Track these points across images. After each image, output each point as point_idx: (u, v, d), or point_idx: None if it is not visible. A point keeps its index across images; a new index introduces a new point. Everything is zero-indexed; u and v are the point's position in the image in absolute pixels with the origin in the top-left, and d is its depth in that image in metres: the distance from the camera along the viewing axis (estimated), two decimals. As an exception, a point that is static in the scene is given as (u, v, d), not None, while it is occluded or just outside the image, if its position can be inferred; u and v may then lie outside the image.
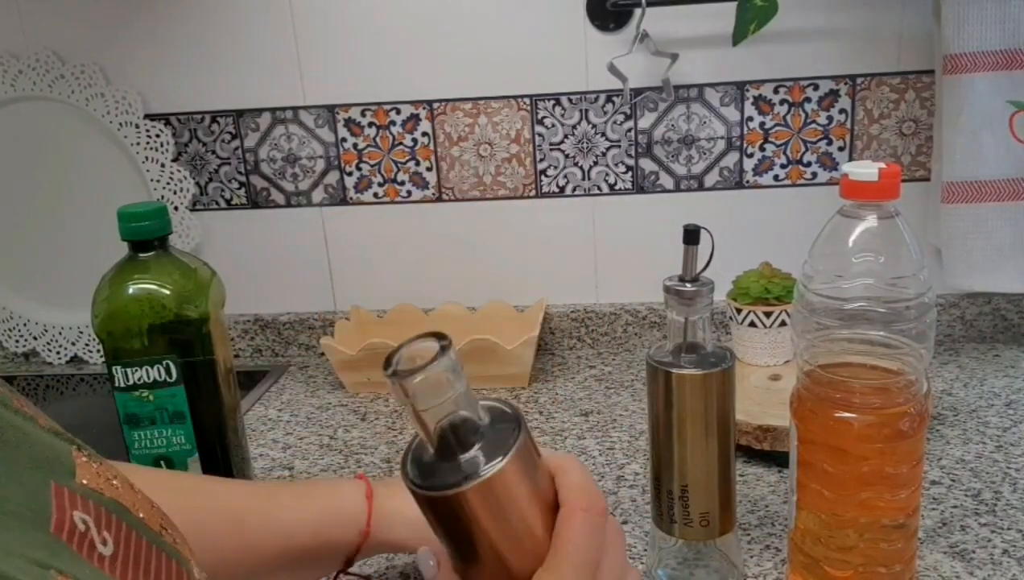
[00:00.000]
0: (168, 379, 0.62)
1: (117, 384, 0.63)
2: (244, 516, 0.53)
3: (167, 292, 0.62)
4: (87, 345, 1.13)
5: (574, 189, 1.03)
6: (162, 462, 0.64)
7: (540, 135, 1.01)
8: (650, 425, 0.57)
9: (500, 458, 0.35)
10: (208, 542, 0.48)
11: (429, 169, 1.04)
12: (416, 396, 0.35)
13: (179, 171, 1.05)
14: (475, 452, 0.36)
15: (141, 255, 0.63)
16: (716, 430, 0.55)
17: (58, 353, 1.14)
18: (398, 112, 1.02)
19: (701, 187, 1.01)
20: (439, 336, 0.35)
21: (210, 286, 0.66)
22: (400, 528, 0.55)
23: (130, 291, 0.62)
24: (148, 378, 0.62)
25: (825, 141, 0.98)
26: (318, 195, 1.07)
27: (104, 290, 0.62)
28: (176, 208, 1.06)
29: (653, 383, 0.56)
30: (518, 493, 0.36)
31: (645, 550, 0.65)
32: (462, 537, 0.37)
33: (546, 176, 1.03)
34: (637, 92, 0.98)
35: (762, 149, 0.99)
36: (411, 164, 1.04)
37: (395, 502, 0.56)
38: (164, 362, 0.62)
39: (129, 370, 0.62)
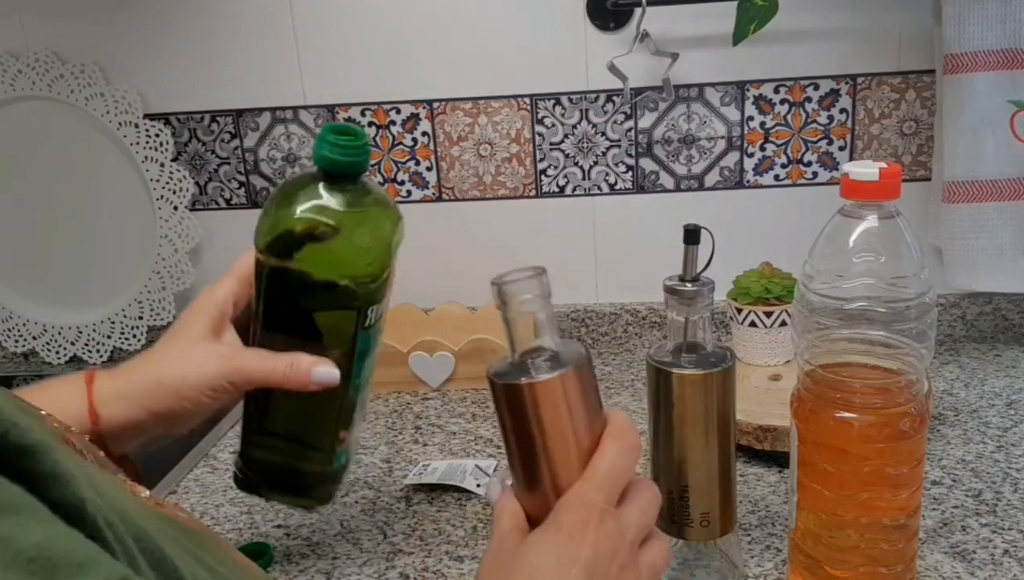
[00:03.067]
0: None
1: (368, 323, 0.59)
2: None
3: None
4: (86, 345, 1.13)
5: (574, 189, 1.03)
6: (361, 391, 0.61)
7: (540, 135, 1.01)
8: (650, 425, 0.57)
9: (560, 371, 0.43)
10: None
11: (429, 169, 1.04)
12: (507, 300, 0.44)
13: (179, 171, 1.05)
14: (543, 363, 0.44)
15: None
16: (716, 430, 0.55)
17: (57, 353, 1.14)
18: (398, 112, 1.02)
19: (701, 187, 1.01)
20: (538, 268, 0.44)
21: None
22: (117, 404, 0.54)
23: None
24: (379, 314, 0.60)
25: (826, 141, 0.98)
26: (318, 195, 1.07)
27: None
28: (176, 208, 1.06)
29: (653, 383, 0.56)
30: (570, 406, 0.43)
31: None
32: (520, 432, 0.44)
33: (546, 176, 1.03)
34: (637, 92, 0.98)
35: (762, 149, 0.99)
36: (411, 164, 1.04)
37: (112, 381, 0.55)
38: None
39: (373, 309, 0.59)
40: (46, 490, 0.23)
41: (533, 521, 0.44)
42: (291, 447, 0.60)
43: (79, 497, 0.23)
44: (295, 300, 0.57)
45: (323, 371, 0.55)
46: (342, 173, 0.55)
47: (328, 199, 0.55)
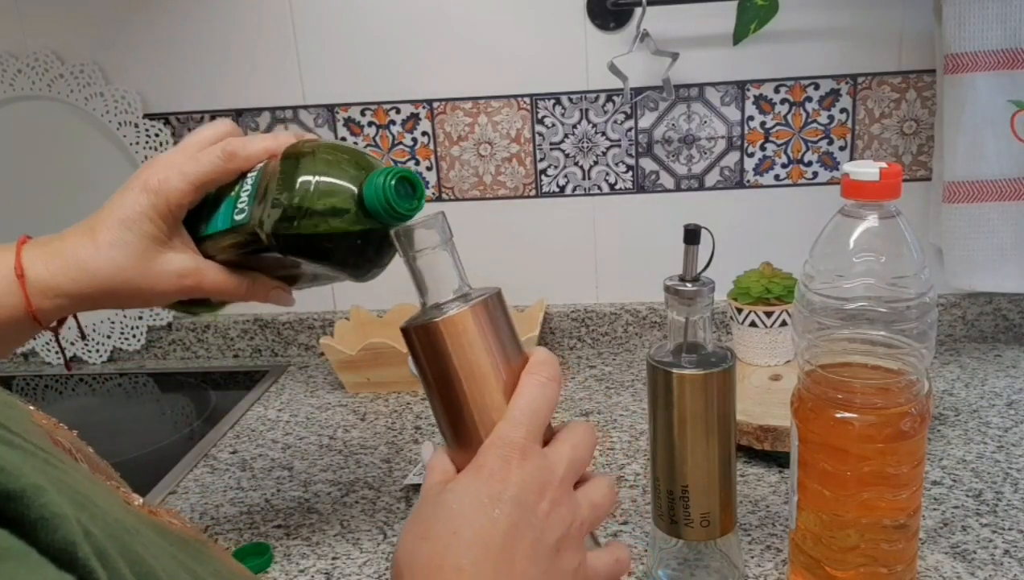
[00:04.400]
0: None
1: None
2: None
3: None
4: (86, 345, 1.13)
5: (574, 189, 1.03)
6: None
7: (540, 134, 1.01)
8: (650, 425, 0.57)
9: (470, 304, 0.43)
10: None
11: (429, 169, 1.04)
12: (410, 245, 0.44)
13: (179, 171, 1.05)
14: (453, 303, 0.43)
15: None
16: (717, 430, 0.55)
17: (57, 353, 1.14)
18: (398, 111, 1.02)
19: (702, 187, 1.01)
20: (437, 213, 0.44)
21: None
22: (57, 301, 0.54)
23: None
24: None
25: (826, 141, 0.98)
26: (318, 195, 1.07)
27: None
28: (176, 208, 1.06)
29: (653, 383, 0.56)
30: (485, 339, 0.43)
31: (646, 550, 0.65)
32: (439, 376, 0.43)
33: (546, 176, 1.03)
34: (637, 91, 0.98)
35: (763, 149, 0.99)
36: (411, 164, 1.04)
37: (51, 276, 0.55)
38: None
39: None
40: (36, 535, 0.23)
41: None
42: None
43: (70, 540, 0.23)
44: (279, 266, 0.58)
45: (281, 296, 0.59)
46: (382, 220, 0.52)
47: (353, 223, 0.52)
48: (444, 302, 0.44)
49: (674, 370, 0.54)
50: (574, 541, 0.41)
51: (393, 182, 0.50)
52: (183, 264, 0.55)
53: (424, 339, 0.43)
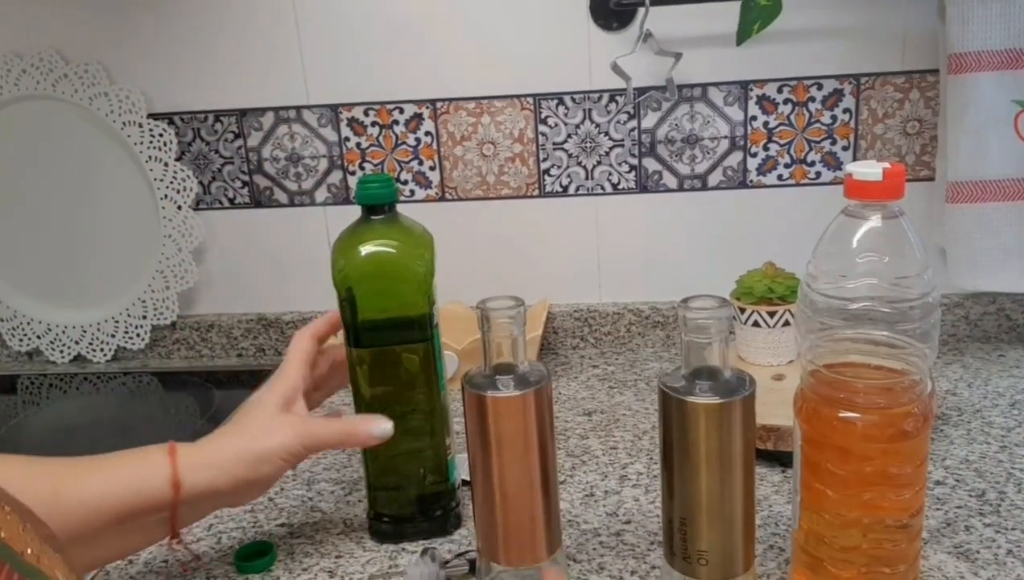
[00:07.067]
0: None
1: (438, 348, 0.68)
2: (61, 485, 0.57)
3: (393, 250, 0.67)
4: (90, 344, 1.14)
5: (577, 189, 1.03)
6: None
7: (543, 134, 1.01)
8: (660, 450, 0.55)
9: (519, 391, 0.53)
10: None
11: (432, 168, 1.04)
12: (488, 322, 0.54)
13: (182, 170, 1.05)
14: (510, 381, 0.54)
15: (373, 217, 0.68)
16: (718, 462, 0.51)
17: (61, 352, 1.15)
18: (401, 111, 1.02)
19: (704, 187, 1.01)
20: (517, 299, 0.55)
21: (432, 244, 0.70)
22: (201, 473, 0.59)
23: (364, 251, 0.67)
24: None
25: (829, 141, 0.98)
26: (321, 194, 1.07)
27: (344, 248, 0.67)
28: (179, 207, 1.06)
29: (662, 408, 0.53)
30: (523, 421, 0.53)
31: (649, 548, 0.65)
32: (480, 433, 0.54)
33: (549, 176, 1.03)
34: (640, 91, 0.98)
35: (766, 149, 0.99)
36: (414, 163, 1.04)
37: (197, 451, 0.61)
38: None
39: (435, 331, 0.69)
40: None
41: (482, 505, 0.55)
42: (409, 477, 0.69)
43: None
44: (373, 343, 0.66)
45: (378, 427, 0.64)
46: (371, 208, 0.67)
47: (360, 227, 0.67)
48: (503, 377, 0.54)
49: (688, 398, 0.51)
50: None
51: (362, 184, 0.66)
52: (293, 419, 0.64)
53: (478, 404, 0.54)
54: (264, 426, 0.63)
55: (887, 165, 0.49)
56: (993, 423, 0.81)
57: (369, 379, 0.67)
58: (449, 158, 1.04)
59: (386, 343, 0.66)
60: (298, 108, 1.04)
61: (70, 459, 0.61)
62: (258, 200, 1.08)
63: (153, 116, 1.05)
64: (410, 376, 0.66)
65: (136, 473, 0.59)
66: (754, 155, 0.99)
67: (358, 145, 1.04)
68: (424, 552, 0.62)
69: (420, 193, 1.05)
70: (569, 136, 1.01)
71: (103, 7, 1.03)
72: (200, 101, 1.05)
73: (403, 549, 0.67)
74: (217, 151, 1.07)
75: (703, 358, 0.52)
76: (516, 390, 0.53)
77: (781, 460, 0.75)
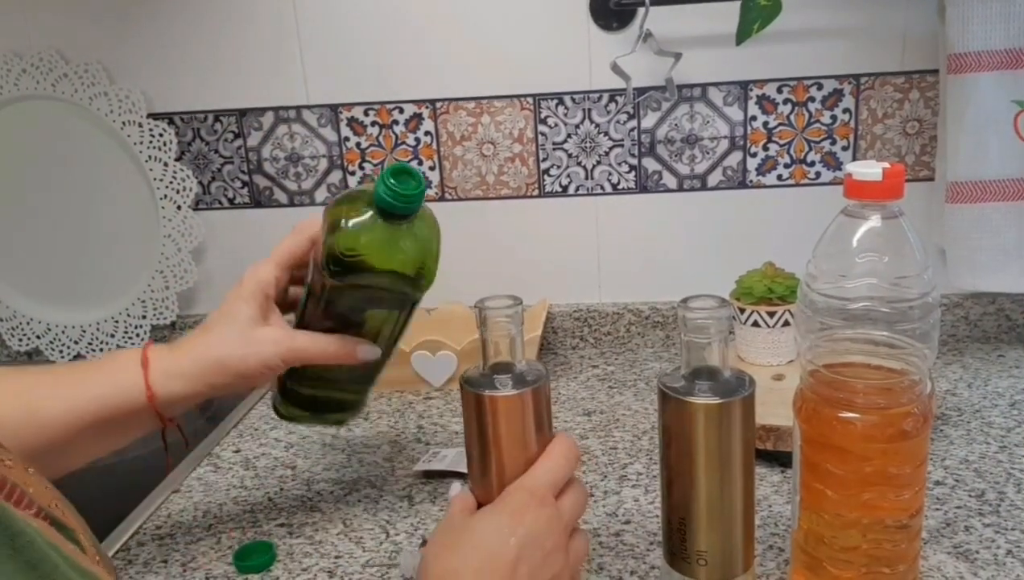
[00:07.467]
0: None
1: (411, 317, 0.68)
2: (35, 400, 0.59)
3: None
4: (89, 343, 1.14)
5: (577, 189, 1.03)
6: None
7: (543, 134, 1.01)
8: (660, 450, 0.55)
9: (520, 390, 0.52)
10: (8, 432, 0.55)
11: (432, 168, 1.04)
12: (486, 322, 0.53)
13: (182, 170, 1.05)
14: (508, 380, 0.53)
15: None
16: (718, 462, 0.51)
17: (61, 352, 1.15)
18: (401, 111, 1.02)
19: (704, 187, 1.01)
20: (515, 298, 0.54)
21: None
22: (176, 382, 0.61)
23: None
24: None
25: (829, 141, 0.98)
26: (321, 194, 1.07)
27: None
28: (179, 207, 1.06)
29: (661, 408, 0.53)
30: (521, 420, 0.53)
31: (649, 548, 0.65)
32: (481, 433, 0.53)
33: (549, 175, 1.03)
34: (640, 91, 0.98)
35: (765, 149, 0.99)
36: (414, 163, 1.04)
37: (172, 360, 0.62)
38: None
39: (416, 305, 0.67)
40: None
41: (482, 506, 0.53)
42: (336, 388, 0.71)
43: None
44: (355, 305, 0.64)
45: (367, 350, 0.65)
46: (395, 214, 0.60)
47: (379, 231, 0.60)
48: (501, 376, 0.53)
49: (687, 398, 0.51)
50: (560, 570, 0.50)
51: (390, 177, 0.58)
52: (276, 334, 0.63)
53: (477, 404, 0.53)
54: (243, 337, 0.62)
55: (887, 165, 0.49)
56: (993, 423, 0.81)
57: (324, 307, 0.64)
58: (449, 158, 1.04)
59: (365, 286, 0.62)
60: (298, 108, 1.04)
61: (42, 370, 0.64)
62: (258, 200, 1.08)
63: (153, 116, 1.05)
64: (370, 326, 0.66)
65: (109, 386, 0.60)
66: (754, 155, 0.99)
67: (358, 145, 1.04)
68: (423, 544, 0.62)
69: (420, 193, 1.05)
70: (569, 136, 1.01)
71: (103, 7, 1.03)
72: (200, 101, 1.05)
73: (394, 541, 0.67)
74: (217, 151, 1.07)
75: (703, 358, 0.52)
76: (514, 389, 0.52)
77: (781, 460, 0.75)
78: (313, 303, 0.65)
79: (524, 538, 0.48)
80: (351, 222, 0.60)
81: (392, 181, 0.58)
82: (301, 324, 0.66)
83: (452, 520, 0.51)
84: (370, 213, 0.60)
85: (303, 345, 0.63)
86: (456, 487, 0.55)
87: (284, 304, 0.67)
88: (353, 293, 0.63)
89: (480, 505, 0.53)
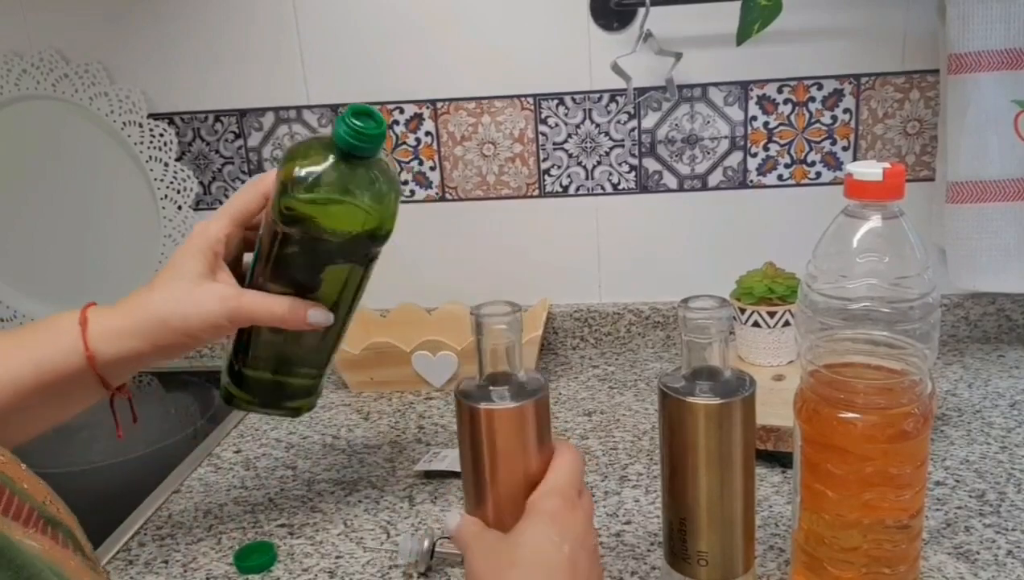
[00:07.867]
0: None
1: (368, 276, 0.64)
2: None
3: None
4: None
5: (577, 189, 1.03)
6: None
7: (543, 134, 1.01)
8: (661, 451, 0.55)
9: (518, 403, 0.49)
10: None
11: (432, 168, 1.04)
12: (482, 330, 0.50)
13: (182, 170, 1.05)
14: (505, 392, 0.50)
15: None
16: (718, 462, 0.52)
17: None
18: (401, 111, 1.02)
19: (705, 187, 1.01)
20: (513, 305, 0.51)
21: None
22: (118, 342, 0.58)
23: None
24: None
25: (829, 141, 0.98)
26: (321, 194, 1.07)
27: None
28: (179, 207, 1.06)
29: (662, 408, 0.53)
30: (521, 432, 0.50)
31: (649, 548, 0.65)
32: (475, 446, 0.51)
33: (549, 176, 1.03)
34: (641, 91, 0.98)
35: (766, 149, 0.99)
36: (414, 163, 1.04)
37: (113, 319, 0.59)
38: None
39: (373, 265, 0.63)
40: None
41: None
42: (285, 368, 0.67)
43: None
44: (308, 260, 0.61)
45: (318, 314, 0.61)
46: (355, 155, 0.57)
47: (339, 174, 0.57)
48: (498, 388, 0.51)
49: (686, 398, 0.51)
50: (598, 566, 0.51)
51: (351, 116, 0.55)
52: (223, 290, 0.60)
53: (473, 418, 0.50)
54: (188, 295, 0.59)
55: (887, 165, 0.49)
56: (993, 424, 0.81)
57: (275, 265, 0.61)
58: (449, 158, 1.04)
59: (321, 237, 0.59)
60: (298, 108, 1.04)
61: None
62: (258, 200, 1.08)
63: (153, 116, 1.05)
64: (324, 291, 0.62)
65: (47, 347, 0.57)
66: (754, 155, 0.99)
67: (358, 145, 1.04)
68: (432, 544, 0.63)
69: (420, 193, 1.05)
70: (569, 136, 1.01)
71: (104, 7, 1.03)
72: (200, 101, 1.05)
73: (395, 541, 0.67)
74: (217, 151, 1.07)
75: (703, 358, 0.52)
76: (512, 402, 0.49)
77: (781, 460, 0.75)
78: (263, 263, 0.61)
79: (573, 543, 0.48)
80: (308, 164, 0.57)
81: (354, 120, 0.55)
82: (251, 286, 0.62)
83: (487, 542, 0.50)
84: (329, 156, 0.57)
85: (251, 303, 0.60)
86: (455, 517, 0.52)
87: (237, 272, 0.64)
88: (307, 247, 0.59)
89: (474, 516, 0.52)
